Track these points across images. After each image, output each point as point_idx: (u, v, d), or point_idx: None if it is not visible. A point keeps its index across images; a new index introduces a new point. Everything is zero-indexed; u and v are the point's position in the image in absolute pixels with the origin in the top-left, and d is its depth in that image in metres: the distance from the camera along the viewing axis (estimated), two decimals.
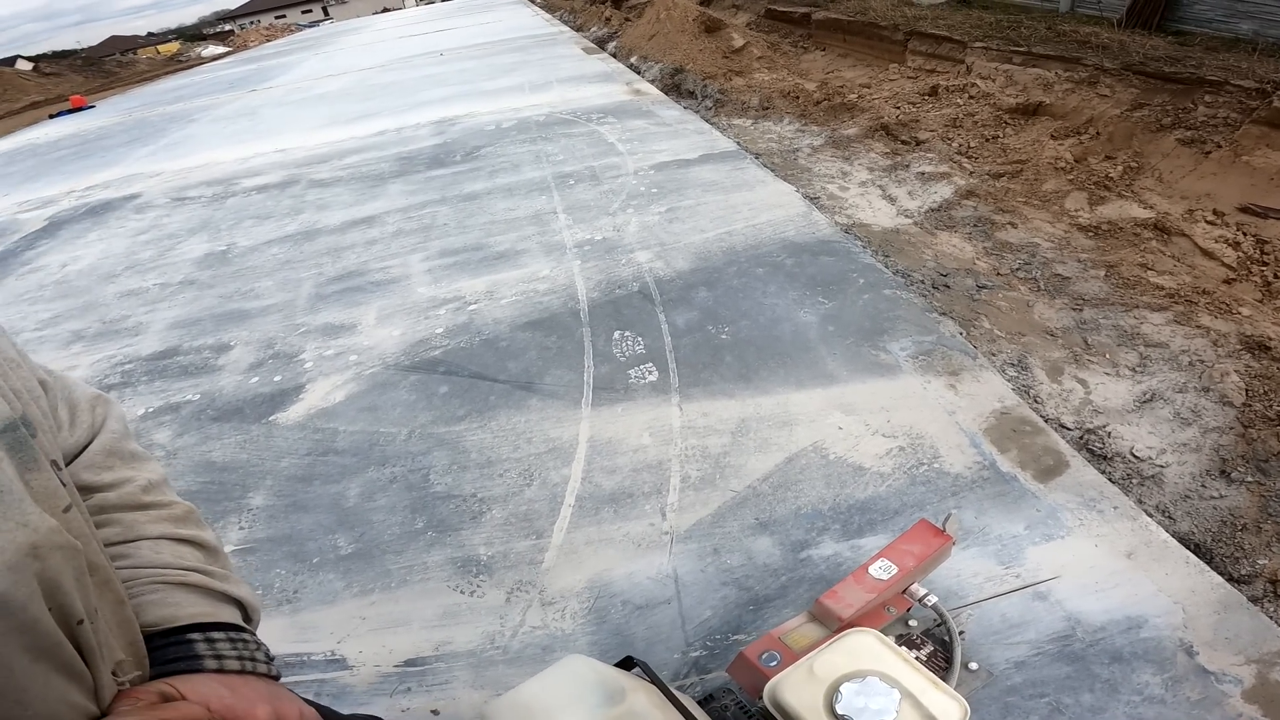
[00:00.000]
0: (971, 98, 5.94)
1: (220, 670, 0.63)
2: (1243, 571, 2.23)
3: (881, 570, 1.53)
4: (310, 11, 46.73)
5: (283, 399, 3.11)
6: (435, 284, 3.87)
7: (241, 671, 0.64)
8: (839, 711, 1.08)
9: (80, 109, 15.28)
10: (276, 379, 3.26)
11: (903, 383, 2.75)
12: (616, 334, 3.22)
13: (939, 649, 1.61)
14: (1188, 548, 2.31)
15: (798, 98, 7.44)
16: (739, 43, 9.91)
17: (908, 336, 2.99)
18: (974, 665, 1.71)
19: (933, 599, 1.60)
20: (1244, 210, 3.90)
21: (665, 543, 2.21)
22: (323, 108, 9.07)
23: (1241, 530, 2.34)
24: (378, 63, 12.84)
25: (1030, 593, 1.92)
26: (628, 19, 14.80)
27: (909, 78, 7.24)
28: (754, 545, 2.17)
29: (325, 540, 2.34)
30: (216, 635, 0.65)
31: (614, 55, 11.19)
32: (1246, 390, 2.73)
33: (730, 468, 2.45)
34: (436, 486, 2.51)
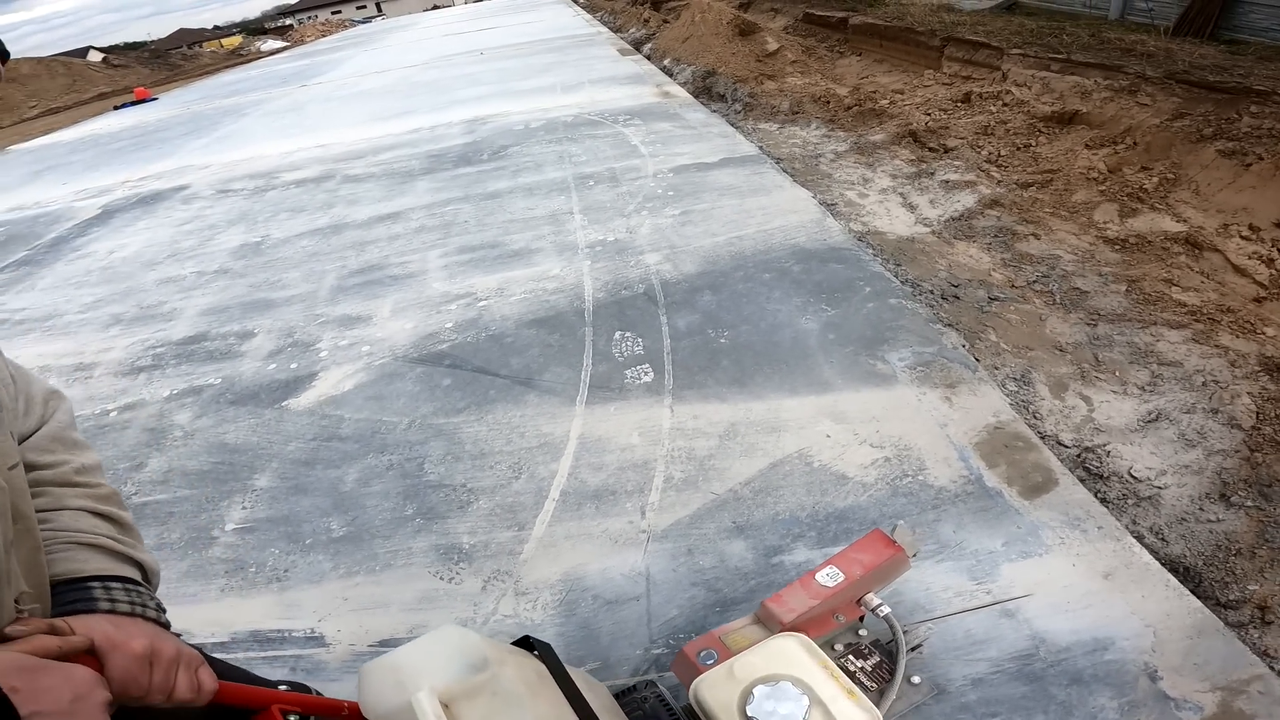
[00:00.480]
0: (1005, 105, 5.80)
1: (111, 611, 0.73)
2: (1231, 597, 2.17)
3: (828, 577, 1.54)
4: (364, 7, 47.98)
5: (296, 386, 3.24)
6: (450, 280, 3.97)
7: (131, 614, 0.74)
8: (749, 713, 1.12)
9: (143, 101, 16.01)
10: (293, 366, 3.40)
11: (897, 393, 2.73)
12: (618, 334, 3.27)
13: (885, 660, 1.61)
14: (1178, 570, 2.25)
15: (828, 103, 7.36)
16: (773, 46, 9.84)
17: (908, 347, 2.96)
18: (916, 679, 1.69)
19: (885, 610, 1.61)
20: None
21: (642, 541, 2.25)
22: (364, 104, 9.34)
23: (1235, 555, 2.27)
24: (420, 60, 13.14)
25: (998, 609, 1.89)
26: (666, 21, 14.83)
27: (943, 84, 7.10)
28: (728, 548, 2.20)
29: (319, 522, 2.45)
30: (114, 585, 0.76)
31: (649, 57, 11.23)
32: (1258, 413, 2.63)
33: (714, 471, 2.48)
34: (430, 475, 2.60)
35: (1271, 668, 1.88)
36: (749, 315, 3.28)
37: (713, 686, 1.19)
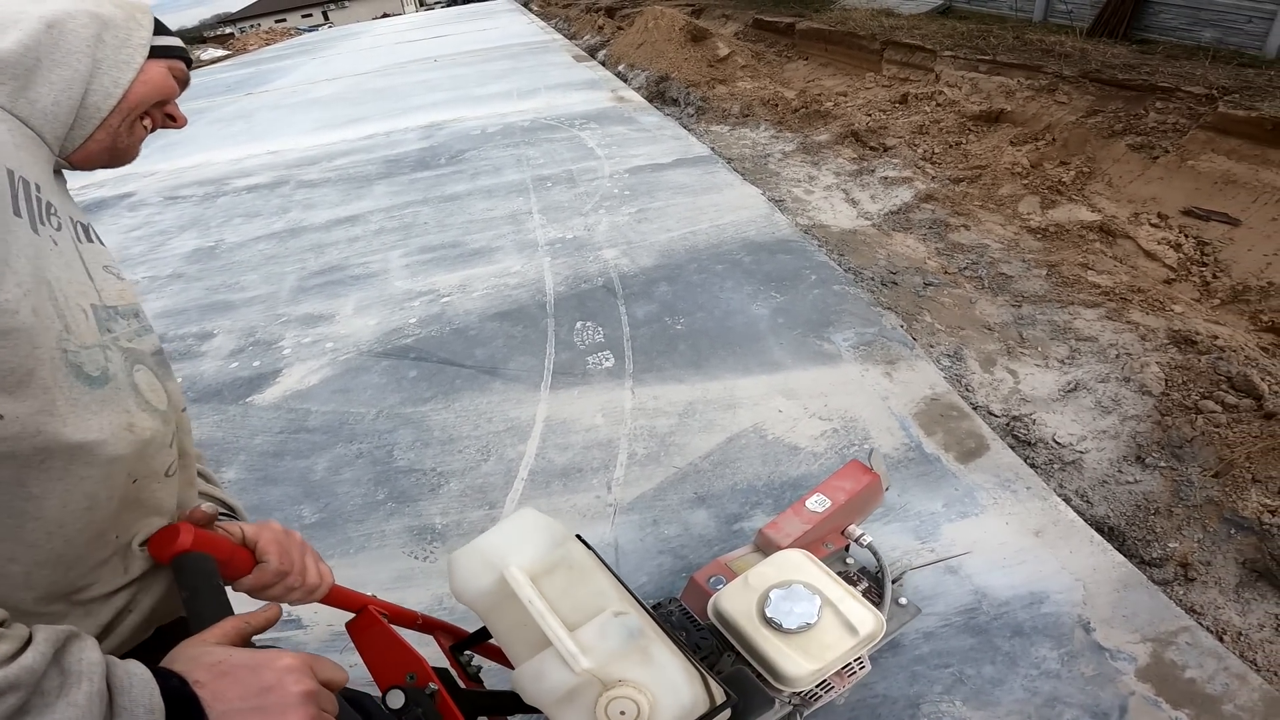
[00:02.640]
0: (939, 105, 6.14)
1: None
2: (1154, 554, 2.32)
3: (817, 504, 1.65)
4: (310, 16, 47.02)
5: (260, 382, 3.27)
6: (412, 278, 4.04)
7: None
8: (768, 615, 1.24)
9: None
10: (255, 364, 3.42)
11: (842, 370, 2.92)
12: (579, 324, 3.39)
13: (873, 585, 1.72)
14: (1103, 530, 2.45)
15: (777, 105, 7.63)
16: (724, 52, 10.11)
17: (851, 329, 3.16)
18: (903, 600, 1.78)
19: (868, 538, 1.71)
20: (1187, 213, 4.09)
21: (609, 514, 2.37)
22: (316, 112, 9.25)
23: (1154, 514, 2.44)
24: (372, 68, 13.05)
25: (942, 567, 2.06)
26: (620, 28, 15.02)
27: (883, 86, 7.44)
28: (691, 517, 2.34)
29: (291, 510, 2.50)
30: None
31: (603, 63, 11.40)
32: (1166, 380, 2.89)
33: (675, 446, 2.62)
34: (400, 461, 2.68)
35: (1201, 624, 2.06)
36: (704, 303, 3.44)
37: (731, 597, 1.29)
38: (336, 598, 0.97)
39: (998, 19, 8.45)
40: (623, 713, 0.87)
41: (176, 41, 0.86)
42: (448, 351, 3.31)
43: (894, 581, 1.85)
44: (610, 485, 2.49)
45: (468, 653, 1.20)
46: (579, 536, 1.18)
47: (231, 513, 0.97)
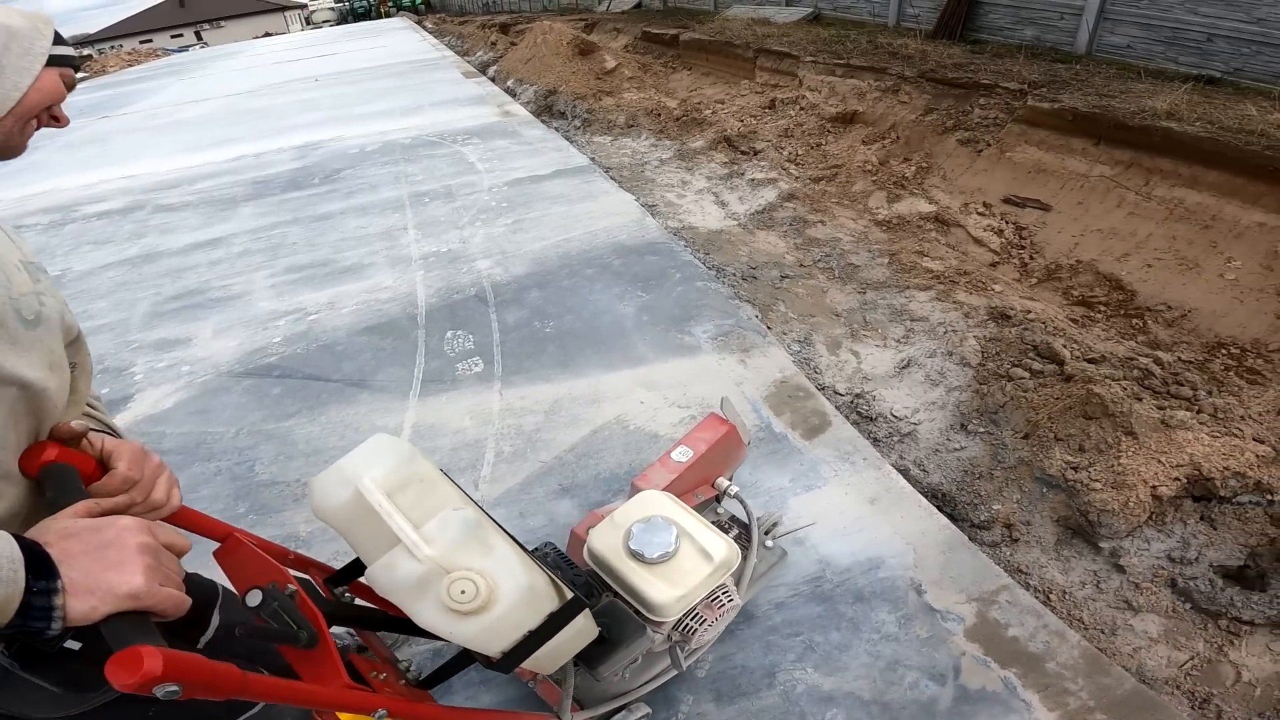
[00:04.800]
0: (801, 109, 6.54)
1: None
2: (982, 518, 2.52)
3: (681, 454, 1.76)
4: (180, 36, 44.27)
5: (109, 408, 3.10)
6: (278, 298, 3.94)
7: None
8: (632, 547, 1.33)
9: None
10: (104, 391, 3.24)
11: (701, 360, 3.09)
12: (449, 333, 3.42)
13: (743, 531, 1.85)
14: (937, 497, 2.66)
15: (660, 115, 7.89)
16: (611, 64, 10.34)
17: (711, 321, 3.34)
18: (770, 544, 1.91)
19: (734, 489, 1.84)
20: (1007, 201, 4.56)
21: None
22: (180, 134, 8.76)
23: (979, 479, 2.67)
24: (247, 88, 12.48)
25: (790, 539, 2.19)
26: (514, 43, 15.07)
27: (756, 92, 7.84)
28: (556, 508, 2.42)
29: None
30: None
31: (494, 79, 11.40)
32: (983, 352, 3.22)
33: (541, 442, 2.70)
34: (261, 475, 2.63)
35: (1027, 583, 2.24)
36: (573, 306, 3.55)
37: (600, 535, 1.39)
38: (202, 526, 0.99)
39: (857, 24, 9.04)
40: (463, 591, 0.93)
41: (70, 51, 0.95)
42: (313, 367, 3.26)
43: (766, 533, 1.98)
44: (477, 483, 2.54)
45: (340, 589, 1.22)
46: (445, 474, 1.23)
47: (111, 432, 1.02)
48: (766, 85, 7.97)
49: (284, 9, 49.24)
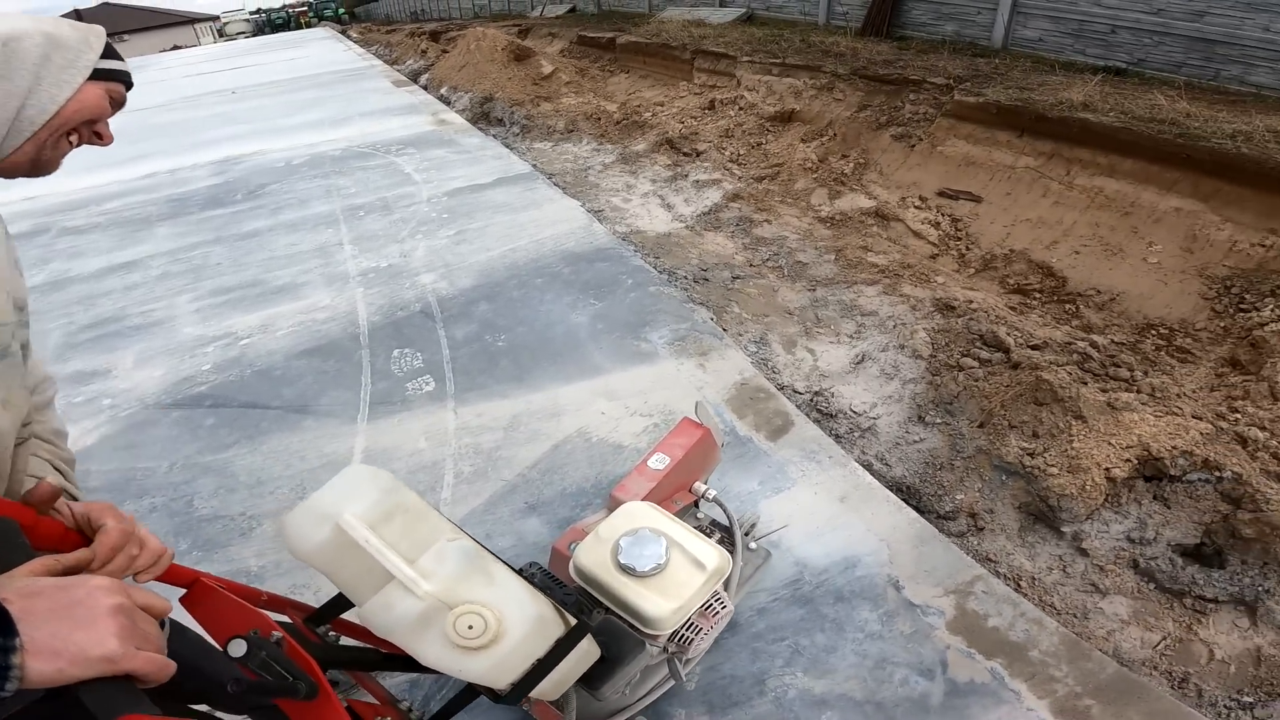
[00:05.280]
0: (740, 109, 6.61)
1: None
2: (946, 509, 2.56)
3: (658, 462, 1.71)
4: None
5: None
6: (204, 323, 3.69)
7: None
8: (622, 562, 1.29)
9: None
10: None
11: (659, 367, 3.05)
12: (396, 352, 3.27)
13: (725, 535, 1.80)
14: (901, 490, 2.68)
15: (599, 119, 7.84)
16: (548, 69, 10.23)
17: (666, 326, 3.31)
18: (753, 545, 1.87)
19: (712, 492, 1.80)
20: (941, 194, 4.70)
21: None
22: (84, 151, 8.18)
23: (940, 469, 2.71)
24: (157, 103, 11.80)
25: (764, 543, 2.14)
26: (445, 51, 14.75)
27: (695, 94, 7.87)
28: (524, 526, 2.33)
29: None
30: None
31: (425, 88, 11.12)
32: (933, 344, 3.29)
33: (502, 460, 2.60)
34: (202, 510, 2.45)
35: (997, 572, 2.28)
36: (524, 318, 3.45)
37: (588, 552, 1.33)
38: (167, 575, 0.91)
39: (789, 23, 9.21)
40: (470, 627, 0.89)
41: (122, 66, 0.94)
42: (250, 394, 3.06)
43: (746, 534, 1.94)
44: (439, 506, 2.42)
45: (323, 628, 1.15)
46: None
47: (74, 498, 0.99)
48: (705, 86, 8.02)
49: (193, 21, 46.99)
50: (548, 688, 1.05)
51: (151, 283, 4.25)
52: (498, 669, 0.94)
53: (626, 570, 1.28)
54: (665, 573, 1.29)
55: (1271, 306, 3.18)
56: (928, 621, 1.89)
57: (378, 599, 0.93)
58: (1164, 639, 2.03)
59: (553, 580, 1.50)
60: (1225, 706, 1.87)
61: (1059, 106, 4.37)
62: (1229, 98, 4.62)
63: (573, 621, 1.06)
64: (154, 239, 4.98)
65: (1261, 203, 3.58)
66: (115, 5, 41.86)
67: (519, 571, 1.59)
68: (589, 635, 1.12)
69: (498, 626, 0.92)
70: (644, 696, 1.56)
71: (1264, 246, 3.51)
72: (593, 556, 1.33)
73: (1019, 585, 2.26)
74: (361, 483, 1.04)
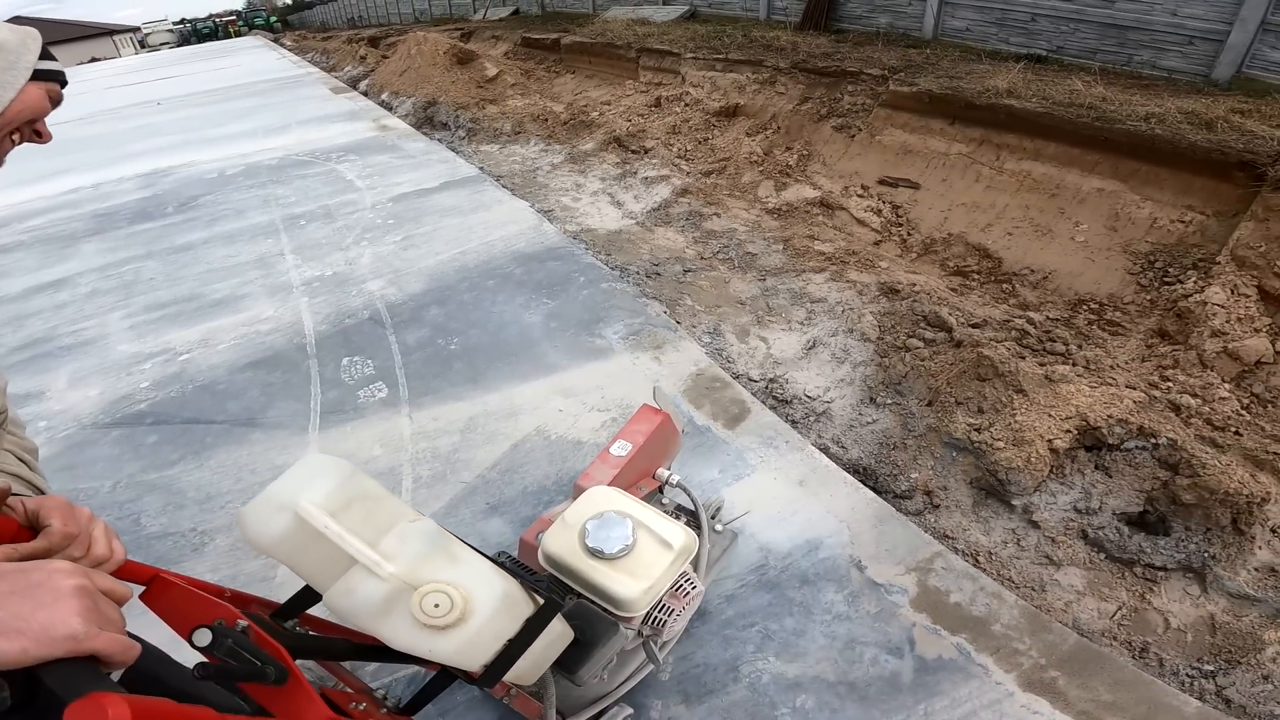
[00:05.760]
0: (686, 105, 6.67)
1: None
2: (903, 488, 2.62)
3: (620, 449, 1.70)
4: None
5: None
6: (139, 339, 3.55)
7: None
8: (590, 546, 1.29)
9: None
10: None
11: (615, 362, 3.06)
12: (345, 360, 3.20)
13: (690, 519, 1.82)
14: (859, 472, 2.74)
15: (546, 120, 7.80)
16: (492, 72, 10.12)
17: (620, 321, 3.32)
18: (719, 527, 1.88)
19: (676, 477, 1.80)
20: (881, 183, 4.84)
21: None
22: None
23: (894, 449, 2.78)
24: (77, 116, 11.27)
25: (729, 530, 2.15)
26: (385, 56, 14.45)
27: (641, 92, 7.91)
28: (486, 527, 2.30)
29: None
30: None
31: (366, 94, 10.89)
32: (880, 326, 3.39)
33: (460, 462, 2.57)
34: (151, 528, 2.36)
35: (955, 548, 2.34)
36: (476, 320, 3.42)
37: (555, 538, 1.32)
38: (122, 571, 0.88)
39: (731, 19, 9.33)
40: (437, 605, 0.88)
41: (58, 65, 0.95)
42: (193, 410, 2.96)
43: (712, 517, 1.96)
44: None
45: (291, 622, 1.13)
46: None
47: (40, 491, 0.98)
48: (651, 84, 8.07)
49: (112, 33, 44.93)
50: (524, 669, 1.05)
51: (81, 301, 4.06)
52: (469, 649, 0.93)
53: (595, 553, 1.29)
54: (633, 554, 1.30)
55: (1194, 279, 3.38)
56: (892, 600, 1.93)
57: (340, 584, 0.93)
58: (1119, 609, 2.12)
59: (523, 568, 1.51)
60: (1188, 675, 1.93)
61: (985, 94, 4.55)
62: (1142, 82, 4.88)
63: (541, 601, 1.06)
64: (81, 255, 4.76)
65: (1177, 181, 3.79)
66: (28, 18, 39.75)
67: (492, 558, 1.60)
68: (560, 616, 1.12)
69: (465, 604, 0.92)
70: (624, 682, 1.57)
71: (1183, 223, 3.72)
72: (560, 542, 1.33)
73: (977, 560, 2.33)
74: (319, 471, 1.03)
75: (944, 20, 6.61)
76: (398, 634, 0.90)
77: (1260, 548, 2.13)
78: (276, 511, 0.98)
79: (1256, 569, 2.09)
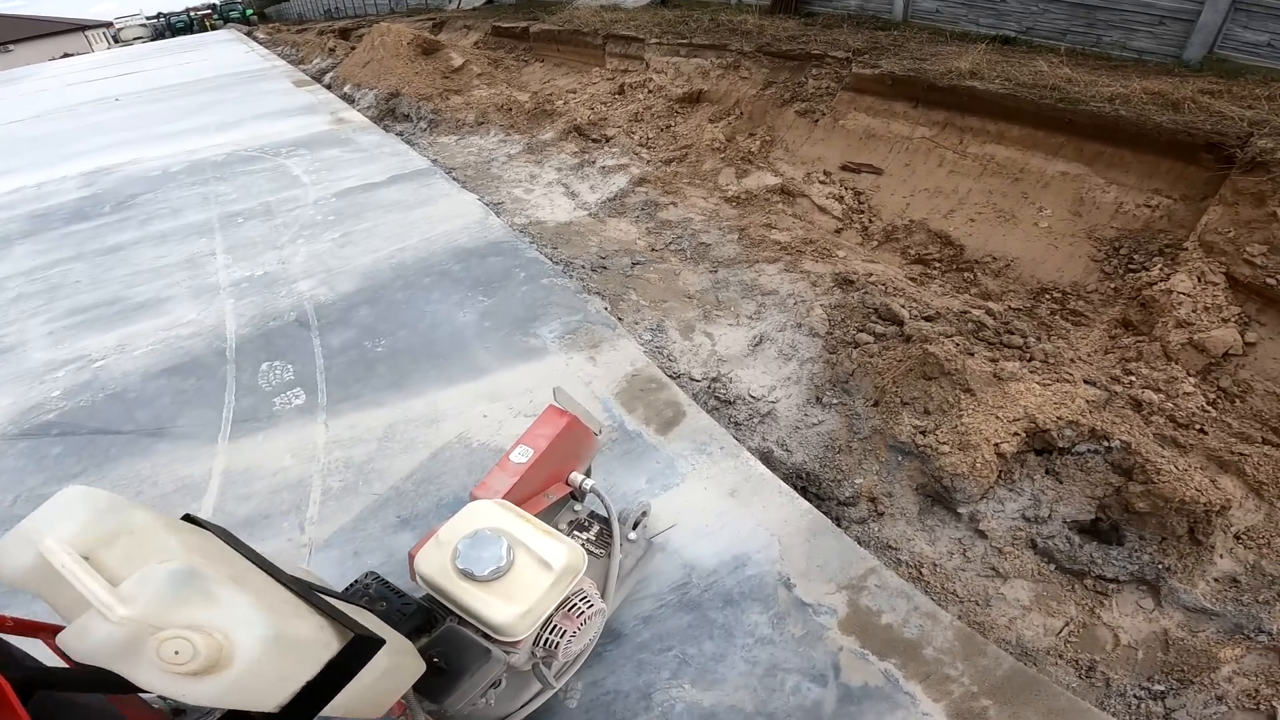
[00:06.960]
0: (650, 92, 6.47)
1: None
2: (846, 494, 2.47)
3: (520, 455, 1.57)
4: None
5: None
6: (56, 346, 3.36)
7: None
8: (460, 566, 1.20)
9: None
10: None
11: (548, 363, 2.89)
12: (265, 365, 3.02)
13: (605, 527, 1.69)
14: (802, 476, 2.58)
15: (511, 110, 7.59)
16: (458, 62, 9.89)
17: (557, 319, 3.15)
18: (633, 536, 1.74)
19: (589, 483, 1.68)
20: (844, 168, 4.67)
21: (304, 554, 2.12)
22: None
23: (839, 453, 2.63)
24: (28, 115, 10.95)
25: (646, 540, 2.04)
26: (354, 48, 14.15)
27: (606, 79, 7.71)
28: (395, 542, 2.15)
29: None
30: None
31: (329, 87, 10.62)
32: (829, 320, 3.23)
33: (374, 473, 2.41)
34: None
35: (898, 560, 2.20)
36: (407, 320, 3.24)
37: (427, 557, 1.24)
38: None
39: (702, 4, 9.11)
40: (177, 652, 0.84)
41: None
42: (100, 420, 2.78)
43: (635, 525, 1.81)
44: (303, 525, 2.23)
45: None
46: (198, 520, 1.10)
47: None
48: (616, 71, 7.86)
49: (84, 28, 44.04)
50: (358, 705, 1.00)
51: (4, 306, 3.86)
52: (239, 693, 0.87)
53: (465, 575, 1.21)
54: (509, 575, 1.21)
55: (1160, 265, 3.24)
56: (819, 622, 1.80)
57: (74, 626, 0.87)
58: (1067, 624, 1.99)
59: (390, 591, 1.41)
60: (1135, 696, 1.81)
61: (948, 75, 4.39)
62: (1110, 63, 4.73)
63: (350, 637, 0.98)
64: (11, 259, 4.54)
65: (1143, 164, 3.65)
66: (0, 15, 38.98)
67: (353, 584, 1.46)
68: (393, 648, 1.04)
69: (217, 650, 0.86)
70: (520, 708, 1.45)
71: (1149, 207, 3.58)
72: (432, 561, 1.24)
73: (920, 572, 2.20)
74: (74, 504, 0.97)
75: (914, 2, 6.44)
76: (149, 679, 0.85)
77: (1221, 556, 1.99)
78: (23, 547, 0.94)
79: (1216, 579, 1.96)
